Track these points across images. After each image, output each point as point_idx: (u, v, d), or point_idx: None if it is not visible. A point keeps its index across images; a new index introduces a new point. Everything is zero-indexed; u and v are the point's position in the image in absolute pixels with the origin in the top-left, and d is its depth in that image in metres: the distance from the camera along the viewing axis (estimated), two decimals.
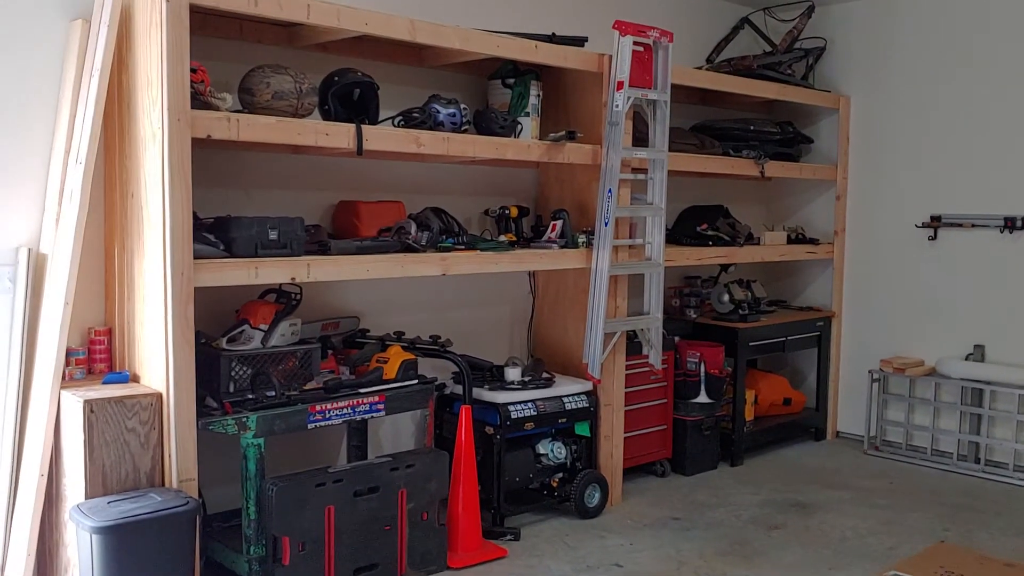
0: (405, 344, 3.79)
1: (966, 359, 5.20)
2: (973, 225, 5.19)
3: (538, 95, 4.19)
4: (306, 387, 3.41)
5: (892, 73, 5.52)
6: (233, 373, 3.29)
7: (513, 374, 4.12)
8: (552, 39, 4.09)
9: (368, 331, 3.96)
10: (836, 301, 5.79)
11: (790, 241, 5.56)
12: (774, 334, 5.36)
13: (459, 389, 3.96)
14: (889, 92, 5.54)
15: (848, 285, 5.78)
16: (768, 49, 5.55)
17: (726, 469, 5.07)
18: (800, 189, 5.96)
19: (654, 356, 4.55)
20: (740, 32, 5.69)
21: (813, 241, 5.71)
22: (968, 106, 5.20)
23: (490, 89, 4.28)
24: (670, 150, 4.40)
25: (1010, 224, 5.04)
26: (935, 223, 5.35)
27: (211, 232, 3.19)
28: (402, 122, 3.67)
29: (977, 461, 5.12)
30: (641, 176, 4.37)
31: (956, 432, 5.21)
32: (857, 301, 5.74)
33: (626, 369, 4.49)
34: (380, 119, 3.62)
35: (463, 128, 3.75)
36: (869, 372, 5.50)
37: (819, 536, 4.06)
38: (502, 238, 4.11)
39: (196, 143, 3.01)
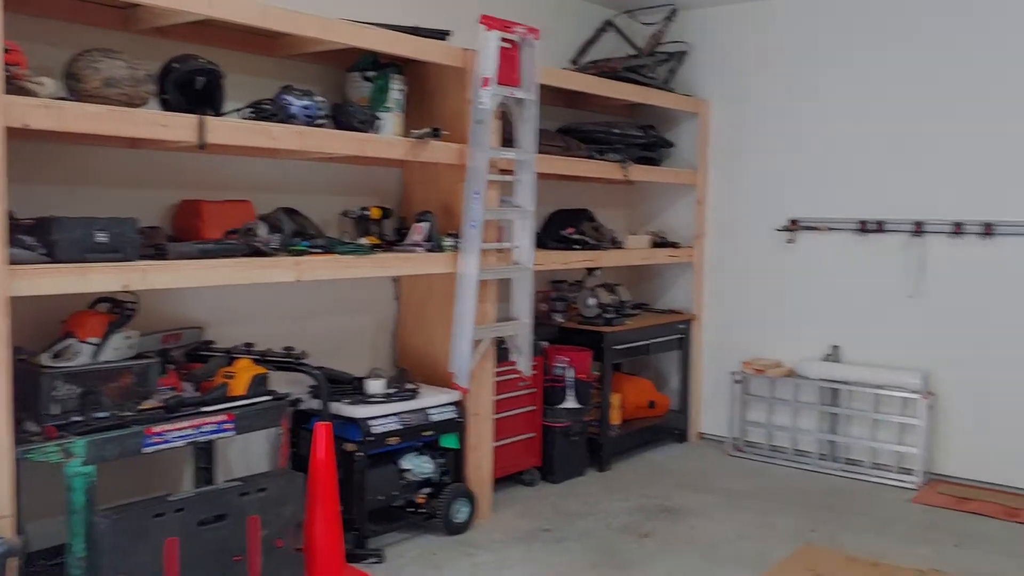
0: (255, 357, 3.49)
1: (823, 360, 5.32)
2: (829, 228, 5.32)
3: (401, 90, 3.98)
4: (143, 406, 3.06)
5: (751, 79, 5.60)
6: (57, 393, 2.91)
7: (375, 386, 3.88)
8: (414, 31, 3.88)
9: (213, 343, 3.62)
10: (697, 304, 5.83)
11: (653, 245, 5.54)
12: (639, 337, 5.33)
13: (316, 404, 3.68)
14: (748, 98, 5.61)
15: (709, 288, 5.82)
16: (632, 52, 5.52)
17: (595, 475, 4.99)
18: (662, 193, 5.97)
19: (523, 362, 4.41)
20: (604, 34, 5.65)
21: (675, 245, 5.73)
22: (824, 112, 5.32)
23: (349, 82, 4.03)
24: (537, 152, 4.27)
25: (863, 228, 5.19)
26: (793, 226, 5.45)
27: (30, 234, 2.81)
28: (251, 114, 3.38)
29: (836, 460, 5.24)
30: (509, 177, 4.22)
31: (815, 432, 5.32)
32: (718, 303, 5.79)
33: (495, 376, 4.33)
34: (226, 111, 3.32)
35: (319, 122, 3.49)
36: (731, 374, 5.55)
37: (689, 542, 4.01)
38: (363, 241, 3.86)
39: (12, 133, 2.64)
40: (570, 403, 4.86)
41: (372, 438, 3.71)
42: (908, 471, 4.96)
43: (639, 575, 3.64)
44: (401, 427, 3.82)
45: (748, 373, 5.46)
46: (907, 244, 5.06)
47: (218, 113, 3.26)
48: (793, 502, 4.60)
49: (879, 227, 5.14)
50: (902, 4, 5.04)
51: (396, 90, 3.96)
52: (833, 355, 5.31)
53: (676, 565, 3.76)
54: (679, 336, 5.68)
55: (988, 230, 4.80)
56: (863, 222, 5.18)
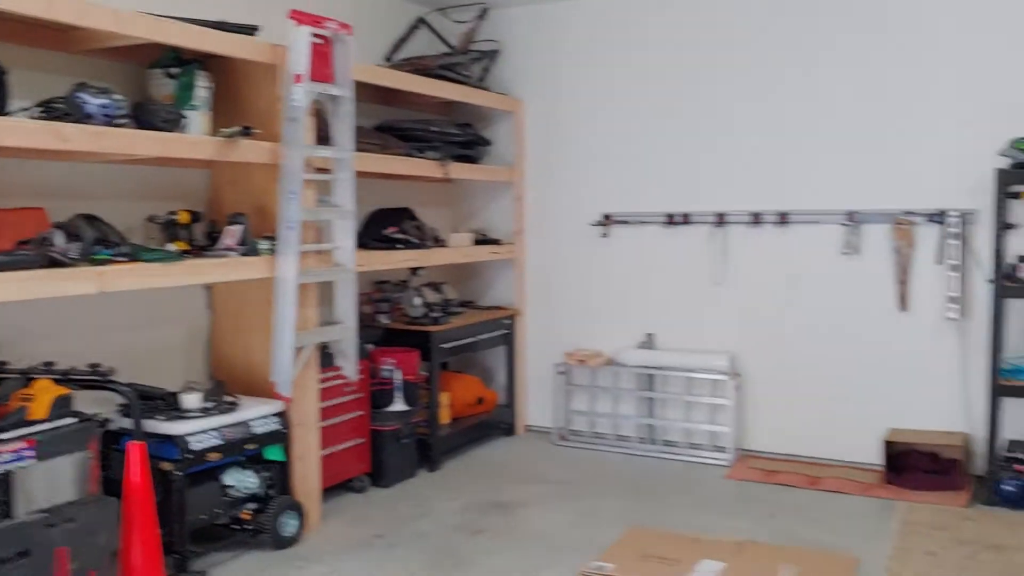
0: (56, 376, 3.22)
1: (639, 347, 5.53)
2: (640, 222, 5.54)
3: (207, 87, 3.78)
4: None
5: (562, 78, 5.74)
6: None
7: (191, 401, 3.68)
8: (220, 26, 3.70)
9: (7, 363, 3.31)
10: (520, 299, 5.92)
11: (475, 243, 5.58)
12: (466, 335, 5.35)
13: (128, 423, 3.44)
14: (560, 96, 5.75)
15: (531, 283, 5.93)
16: (446, 50, 5.52)
17: (425, 476, 4.96)
18: (482, 191, 6.02)
19: (349, 367, 4.31)
20: (417, 32, 5.62)
21: (496, 242, 5.79)
22: (632, 110, 5.53)
23: (151, 80, 3.80)
24: (354, 150, 4.19)
25: (671, 220, 5.43)
26: (607, 221, 5.63)
27: None
28: (41, 113, 3.11)
29: (654, 442, 5.47)
30: (326, 177, 4.11)
31: (635, 416, 5.53)
32: (540, 298, 5.90)
33: (319, 383, 4.21)
34: (12, 110, 3.03)
35: (119, 122, 3.25)
36: (554, 366, 5.68)
37: (523, 535, 4.06)
38: (171, 247, 3.64)
39: None
40: (398, 405, 4.81)
41: (191, 455, 3.51)
42: (721, 449, 5.25)
43: (476, 573, 3.65)
44: (221, 442, 3.64)
45: (570, 364, 5.60)
46: (711, 235, 5.35)
47: (1, 112, 2.97)
48: (618, 486, 4.76)
49: (685, 219, 5.40)
50: (697, 3, 5.32)
51: (202, 87, 3.76)
52: (648, 343, 5.54)
53: (511, 558, 3.79)
54: (504, 332, 5.74)
55: (783, 219, 5.15)
56: (670, 215, 5.43)
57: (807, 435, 5.15)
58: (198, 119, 3.72)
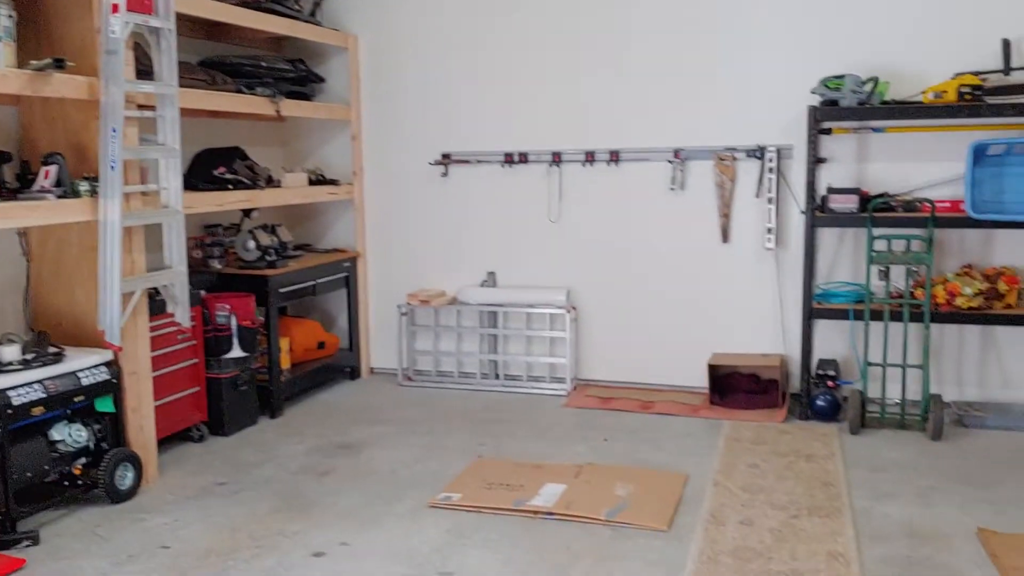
0: None
1: (481, 286, 5.61)
2: (479, 161, 5.57)
3: (10, 16, 3.47)
4: None
5: (398, 12, 5.64)
6: None
7: (10, 353, 3.46)
8: None
9: None
10: (360, 241, 5.86)
11: (311, 183, 5.45)
12: (303, 278, 5.25)
13: None
14: (396, 32, 5.65)
15: (371, 224, 5.87)
16: None
17: (267, 423, 4.89)
18: (317, 129, 5.87)
19: (181, 313, 4.16)
20: None
21: (333, 182, 5.68)
22: (471, 48, 5.52)
23: None
24: (179, 86, 3.98)
25: (509, 159, 5.49)
26: (446, 160, 5.63)
27: None
28: None
29: (497, 377, 5.59)
30: (149, 114, 3.89)
31: (478, 353, 5.62)
32: (381, 240, 5.86)
33: (151, 331, 4.04)
34: None
35: None
36: (397, 307, 5.67)
37: (369, 474, 4.08)
38: None
39: None
40: (236, 352, 4.68)
41: (12, 411, 3.31)
42: (560, 380, 5.44)
43: (323, 512, 3.65)
44: (46, 395, 3.46)
45: (413, 305, 5.61)
46: (548, 173, 5.46)
47: None
48: (462, 422, 4.85)
49: (523, 158, 5.48)
50: None
51: (4, 16, 3.46)
52: (489, 280, 5.62)
53: (358, 497, 3.81)
54: (344, 274, 5.67)
55: (614, 157, 5.31)
56: (509, 154, 5.49)
57: (640, 363, 5.41)
58: (2, 51, 3.42)
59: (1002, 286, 4.53)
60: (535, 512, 3.55)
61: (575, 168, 5.41)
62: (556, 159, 5.41)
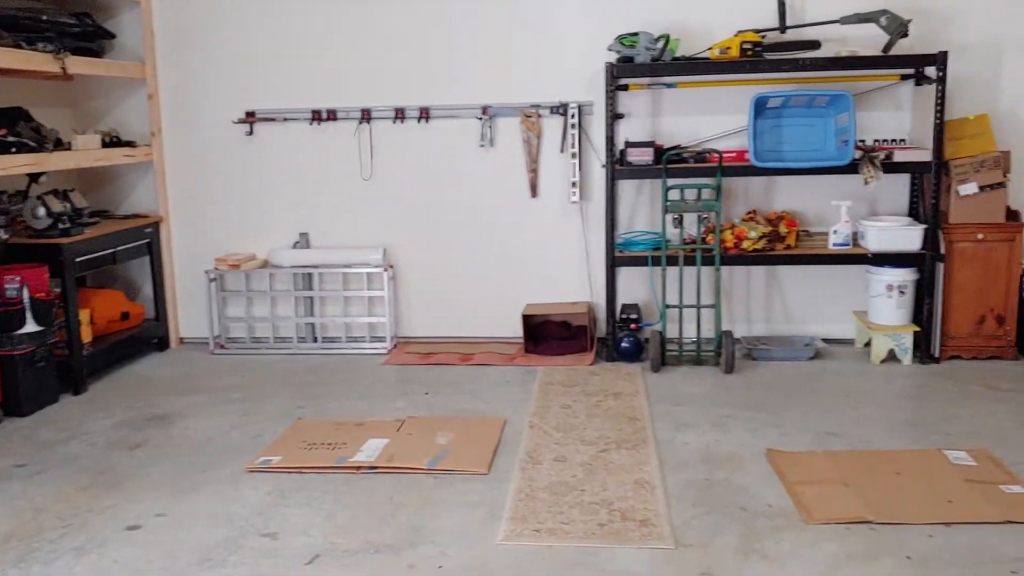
0: None
1: (294, 247, 5.52)
2: (285, 119, 5.45)
3: None
4: None
5: None
6: None
7: None
8: None
9: None
10: (163, 205, 5.61)
11: (105, 145, 5.15)
12: (102, 246, 4.98)
13: None
14: None
15: (173, 188, 5.63)
16: None
17: (70, 399, 4.64)
18: (109, 88, 5.54)
19: None
20: None
21: (130, 144, 5.39)
22: (272, 3, 5.35)
23: None
24: None
25: (317, 117, 5.41)
26: (250, 119, 5.47)
27: None
28: None
29: (315, 340, 5.55)
30: None
31: (293, 317, 5.55)
32: (185, 203, 5.63)
33: None
34: None
35: None
36: (205, 272, 5.49)
37: (184, 444, 3.98)
38: None
39: None
40: (30, 327, 4.40)
41: None
42: (380, 339, 5.47)
43: (136, 486, 3.53)
44: None
45: (222, 270, 5.45)
46: (358, 131, 5.42)
47: None
48: (280, 387, 4.79)
49: (332, 116, 5.40)
50: None
51: None
52: (302, 242, 5.54)
53: (173, 467, 3.71)
54: (147, 241, 5.42)
55: (424, 115, 5.34)
56: (316, 111, 5.40)
57: (458, 318, 5.52)
58: None
59: (783, 229, 4.94)
60: (357, 468, 3.59)
61: (386, 126, 5.40)
62: (366, 116, 5.38)
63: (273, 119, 5.46)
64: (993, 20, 5.01)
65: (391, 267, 5.46)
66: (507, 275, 5.44)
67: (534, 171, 5.31)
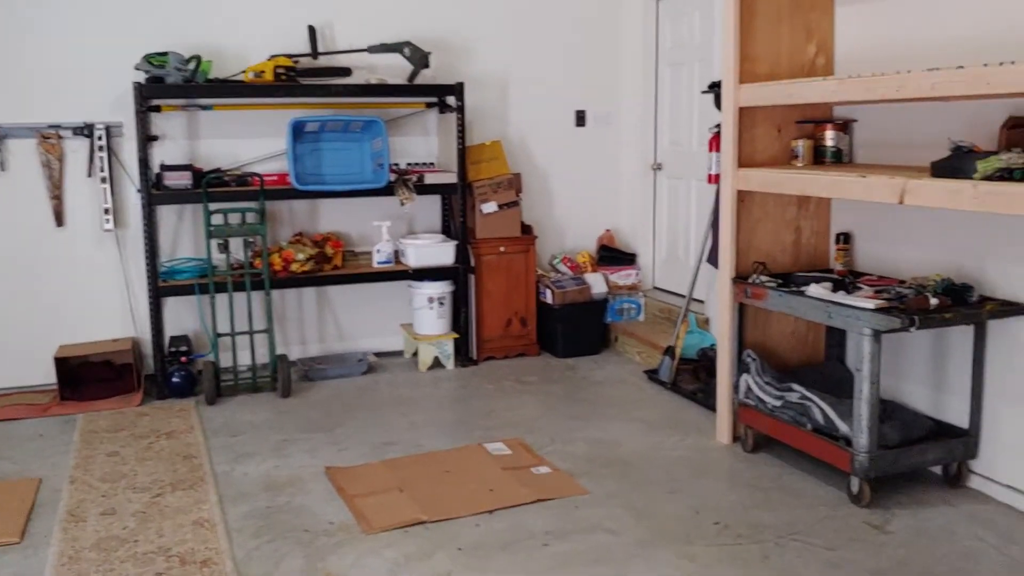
0: None
1: None
2: None
3: None
4: None
5: None
6: None
7: None
8: None
9: None
10: None
11: None
12: None
13: None
14: None
15: None
16: None
17: None
18: None
19: None
20: None
21: None
22: None
23: None
24: None
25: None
26: None
27: None
28: None
29: None
30: None
31: None
32: None
33: None
34: None
35: None
36: None
37: None
38: None
39: None
40: None
41: None
42: None
43: None
44: None
45: None
46: None
47: None
48: None
49: None
50: None
51: None
52: None
53: None
54: None
55: None
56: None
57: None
58: None
59: (329, 250, 5.08)
60: None
61: None
62: None
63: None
64: (500, 56, 5.65)
65: None
66: (34, 315, 4.86)
67: (58, 198, 4.83)
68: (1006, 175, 2.74)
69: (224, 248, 4.73)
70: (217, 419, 4.44)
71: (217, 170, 4.97)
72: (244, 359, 5.00)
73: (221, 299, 4.84)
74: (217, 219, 4.78)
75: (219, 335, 4.78)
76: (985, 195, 2.71)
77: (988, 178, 2.75)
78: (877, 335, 3.15)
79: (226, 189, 4.86)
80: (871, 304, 3.18)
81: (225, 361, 4.97)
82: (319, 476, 3.70)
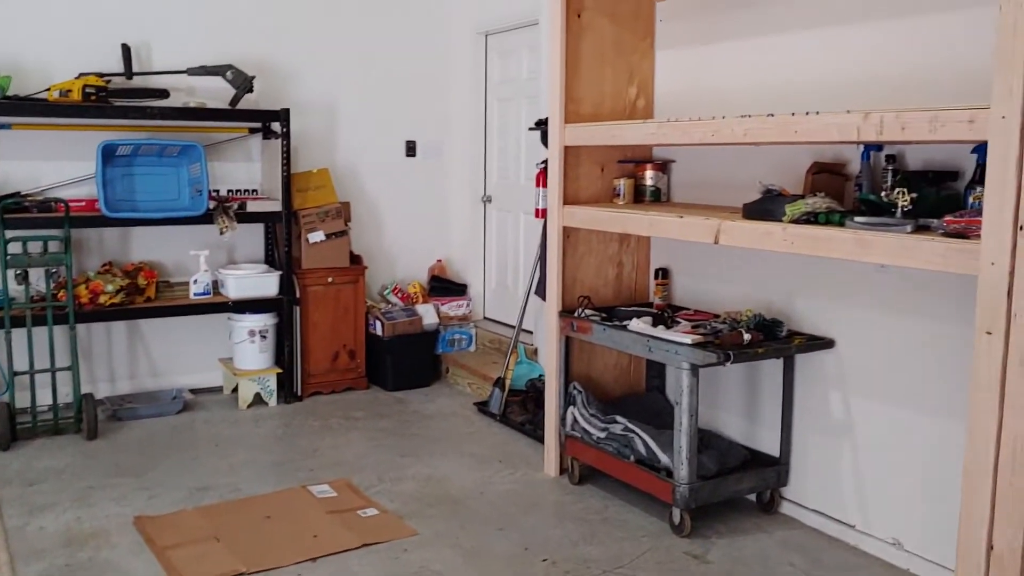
0: None
1: None
2: None
3: None
4: None
5: None
6: None
7: None
8: None
9: None
10: None
11: None
12: None
13: None
14: None
15: None
16: None
17: None
18: None
19: None
20: None
21: None
22: None
23: None
24: None
25: None
26: None
27: None
28: None
29: None
30: None
31: None
32: None
33: None
34: None
35: None
36: None
37: None
38: None
39: None
40: None
41: None
42: None
43: None
44: None
45: None
46: None
47: None
48: None
49: None
50: None
51: None
52: None
53: None
54: None
55: None
56: None
57: None
58: None
59: (142, 280, 4.78)
60: None
61: None
62: None
63: None
64: (328, 83, 5.53)
65: None
66: None
67: None
68: (811, 218, 2.91)
69: (23, 279, 4.35)
70: (12, 466, 4.06)
71: (16, 194, 4.59)
72: (45, 398, 4.60)
73: (19, 334, 4.44)
74: (15, 247, 4.39)
75: (16, 373, 4.39)
76: (794, 237, 2.86)
77: (795, 221, 2.91)
78: (695, 369, 3.26)
79: (26, 215, 4.47)
80: (688, 339, 3.29)
81: (22, 401, 4.56)
82: (127, 527, 3.44)
